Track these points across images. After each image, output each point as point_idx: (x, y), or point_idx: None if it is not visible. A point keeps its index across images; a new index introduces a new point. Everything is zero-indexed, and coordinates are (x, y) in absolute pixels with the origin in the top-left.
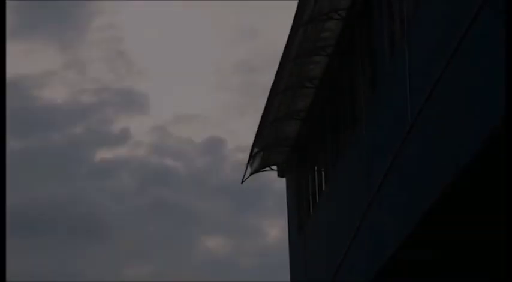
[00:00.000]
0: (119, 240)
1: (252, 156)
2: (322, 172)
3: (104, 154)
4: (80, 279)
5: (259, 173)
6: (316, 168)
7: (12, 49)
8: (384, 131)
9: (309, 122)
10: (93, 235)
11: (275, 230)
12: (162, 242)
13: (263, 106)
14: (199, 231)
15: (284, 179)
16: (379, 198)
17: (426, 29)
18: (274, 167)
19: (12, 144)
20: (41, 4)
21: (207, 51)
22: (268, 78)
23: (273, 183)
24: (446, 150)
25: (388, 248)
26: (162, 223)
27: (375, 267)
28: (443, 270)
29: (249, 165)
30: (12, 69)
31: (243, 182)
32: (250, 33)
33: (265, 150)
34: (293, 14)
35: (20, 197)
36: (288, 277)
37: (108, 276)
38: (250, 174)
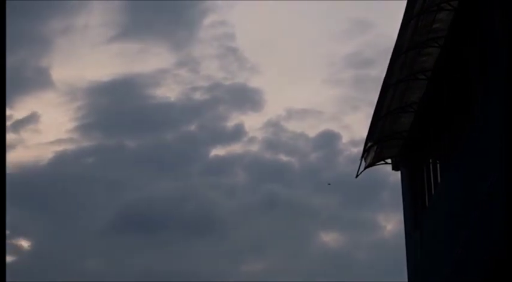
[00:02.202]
0: (234, 236)
1: (365, 150)
2: (437, 164)
3: (217, 151)
4: (195, 278)
5: (373, 167)
6: (431, 160)
7: (125, 49)
8: (499, 120)
9: (422, 114)
10: (207, 232)
11: (391, 223)
12: (276, 237)
13: (376, 99)
14: (314, 226)
15: (399, 172)
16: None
17: None
18: (389, 161)
19: (127, 143)
20: (154, 3)
21: (319, 44)
22: (380, 71)
23: (388, 176)
24: None
25: (504, 244)
26: (276, 219)
27: (491, 264)
28: None
29: (363, 159)
30: (125, 68)
31: (357, 176)
32: (362, 26)
33: (379, 143)
34: (405, 6)
35: (135, 194)
36: (405, 271)
37: (223, 273)
38: (365, 168)
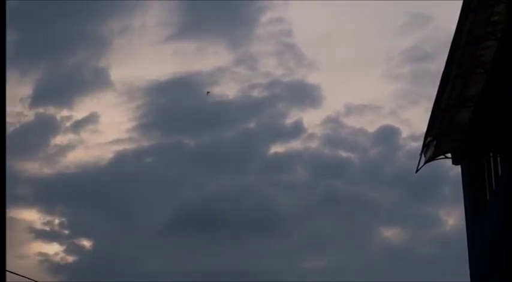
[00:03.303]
0: (294, 234)
1: (425, 145)
2: (498, 158)
3: (277, 148)
4: (255, 275)
5: (433, 161)
6: (491, 154)
7: (183, 48)
8: None
9: (481, 107)
10: (267, 229)
11: (453, 218)
12: (337, 233)
13: (435, 93)
14: (375, 221)
15: (459, 167)
16: None
17: None
18: (449, 155)
19: (186, 141)
20: (211, 2)
21: (377, 39)
22: (439, 65)
23: (448, 171)
24: None
25: None
26: (337, 215)
27: None
28: None
29: (422, 154)
30: (183, 67)
31: (417, 171)
32: (420, 20)
33: (439, 138)
34: None
35: (195, 193)
36: (467, 266)
37: (284, 271)
38: (425, 163)
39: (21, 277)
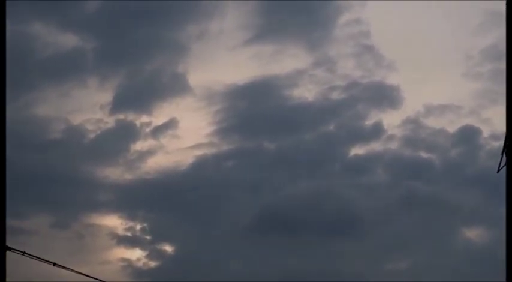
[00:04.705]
0: (375, 235)
1: (506, 145)
2: None
3: (357, 150)
4: (337, 278)
5: None
6: None
7: (261, 51)
8: None
9: None
10: (348, 231)
11: None
12: (419, 235)
13: None
14: (457, 222)
15: None
16: None
17: None
18: None
19: (266, 144)
20: (288, 4)
21: (455, 38)
22: None
23: None
24: None
25: None
26: (418, 216)
27: None
28: None
29: (504, 154)
30: (262, 70)
31: (498, 170)
32: (497, 18)
33: None
34: None
35: (275, 196)
36: None
37: (366, 273)
38: (506, 162)
39: None
